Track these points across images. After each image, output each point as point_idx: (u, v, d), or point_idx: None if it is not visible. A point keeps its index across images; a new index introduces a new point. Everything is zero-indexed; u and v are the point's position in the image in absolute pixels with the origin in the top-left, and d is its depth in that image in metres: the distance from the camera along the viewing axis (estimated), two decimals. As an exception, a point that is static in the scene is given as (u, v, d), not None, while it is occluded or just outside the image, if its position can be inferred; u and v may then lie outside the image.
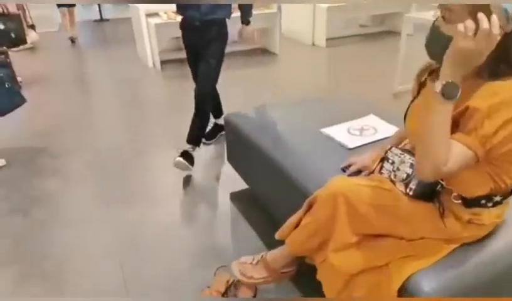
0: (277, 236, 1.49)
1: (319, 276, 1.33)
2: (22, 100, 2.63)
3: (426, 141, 1.00)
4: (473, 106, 0.98)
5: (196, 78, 2.60)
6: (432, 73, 1.17)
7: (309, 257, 1.41)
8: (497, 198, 1.13)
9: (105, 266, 1.82)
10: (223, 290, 1.64)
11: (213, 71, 2.49)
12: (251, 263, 1.55)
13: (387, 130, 1.79)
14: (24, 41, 3.66)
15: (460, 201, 1.14)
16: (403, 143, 1.40)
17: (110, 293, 1.68)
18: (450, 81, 0.95)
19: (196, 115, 2.52)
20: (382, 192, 1.22)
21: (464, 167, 1.02)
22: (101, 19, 7.78)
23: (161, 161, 2.72)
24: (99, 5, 7.74)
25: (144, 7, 4.64)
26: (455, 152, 0.99)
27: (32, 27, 4.54)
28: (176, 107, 3.69)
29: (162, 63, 4.81)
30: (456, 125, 1.02)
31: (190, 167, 2.45)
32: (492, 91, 0.97)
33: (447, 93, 0.96)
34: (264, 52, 5.44)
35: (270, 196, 1.93)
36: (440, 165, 0.98)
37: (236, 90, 4.00)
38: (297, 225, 1.39)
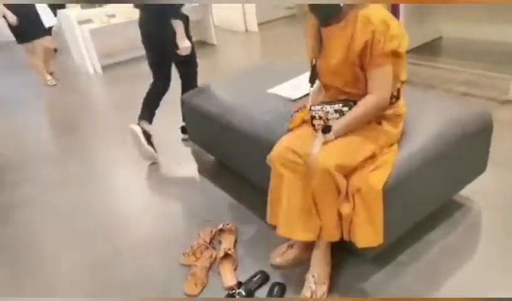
0: (269, 221, 1.62)
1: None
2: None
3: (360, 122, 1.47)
4: (365, 40, 1.37)
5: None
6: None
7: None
8: (395, 92, 1.50)
9: (96, 244, 1.98)
10: (208, 239, 1.88)
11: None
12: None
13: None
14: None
15: None
16: (318, 100, 1.63)
17: (103, 262, 1.84)
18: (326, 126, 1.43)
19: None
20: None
21: (391, 83, 1.43)
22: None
23: (124, 155, 2.86)
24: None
25: (75, 15, 4.63)
26: (383, 75, 1.40)
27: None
28: (123, 107, 3.80)
29: (104, 67, 4.84)
30: (365, 58, 1.40)
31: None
32: (364, 19, 1.37)
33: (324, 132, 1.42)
34: (202, 44, 5.63)
35: (233, 158, 2.18)
36: (384, 103, 1.45)
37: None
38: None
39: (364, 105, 1.45)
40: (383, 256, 1.62)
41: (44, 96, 4.42)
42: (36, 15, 4.18)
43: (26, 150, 3.11)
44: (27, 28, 4.13)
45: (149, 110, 2.63)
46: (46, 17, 4.30)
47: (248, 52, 5.19)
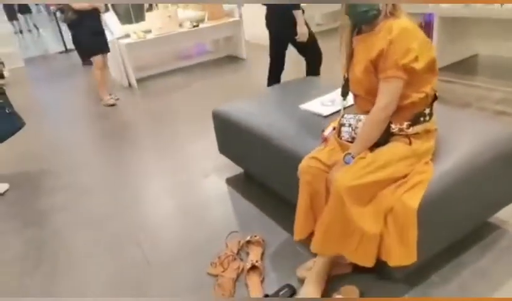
0: (295, 238, 1.63)
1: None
2: (22, 123, 2.81)
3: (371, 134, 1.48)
4: (381, 48, 1.37)
5: None
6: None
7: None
8: (427, 110, 1.49)
9: (127, 249, 2.05)
10: (236, 250, 1.91)
11: None
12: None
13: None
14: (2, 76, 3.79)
15: (409, 123, 1.47)
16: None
17: (132, 268, 1.90)
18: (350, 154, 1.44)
19: None
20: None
21: (398, 98, 1.41)
22: (66, 50, 7.87)
23: (156, 166, 2.95)
24: (62, 37, 7.85)
25: (113, 30, 4.86)
26: (388, 90, 1.39)
27: (2, 64, 4.63)
28: (157, 119, 3.93)
29: (138, 81, 5.03)
30: (378, 66, 1.41)
31: None
32: (388, 28, 1.38)
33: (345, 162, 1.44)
34: (232, 59, 5.76)
35: (263, 171, 2.21)
36: (384, 115, 1.42)
37: (213, 95, 4.30)
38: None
39: (369, 120, 1.46)
40: (414, 275, 1.59)
41: (83, 106, 4.64)
42: (104, 27, 4.30)
43: (67, 158, 3.26)
44: (101, 40, 4.23)
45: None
46: (115, 27, 4.41)
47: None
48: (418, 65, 1.38)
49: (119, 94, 4.84)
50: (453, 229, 1.59)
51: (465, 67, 4.07)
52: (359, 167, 1.42)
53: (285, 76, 3.36)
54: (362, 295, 1.56)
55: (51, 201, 2.63)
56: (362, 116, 1.53)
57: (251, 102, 2.46)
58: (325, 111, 2.06)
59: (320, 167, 1.52)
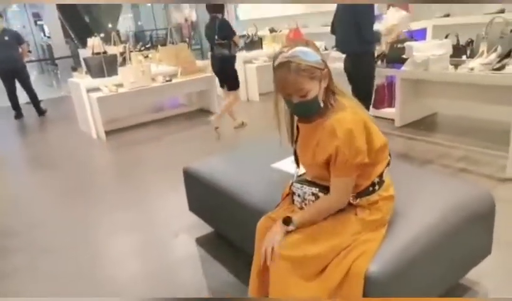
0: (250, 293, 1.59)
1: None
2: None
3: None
4: (329, 154, 1.37)
5: None
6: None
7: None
8: (376, 179, 1.47)
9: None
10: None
11: None
12: None
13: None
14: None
15: (354, 195, 1.46)
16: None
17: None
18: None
19: None
20: None
21: (351, 190, 1.43)
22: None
23: (122, 223, 2.82)
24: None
25: (84, 84, 4.84)
26: (340, 187, 1.41)
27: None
28: (125, 173, 3.82)
29: (107, 133, 4.95)
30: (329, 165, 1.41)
31: None
32: (331, 130, 1.35)
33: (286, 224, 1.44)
34: (204, 112, 5.82)
35: (234, 231, 2.16)
36: (336, 207, 1.44)
37: (185, 148, 4.27)
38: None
39: (327, 201, 1.45)
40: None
41: (40, 156, 4.47)
42: None
43: (24, 215, 3.07)
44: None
45: None
46: None
47: (247, 120, 5.33)
48: (369, 157, 1.39)
49: (87, 147, 4.73)
50: (424, 295, 1.57)
51: (425, 125, 4.30)
52: (300, 236, 1.42)
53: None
54: None
55: (5, 263, 2.42)
56: (307, 189, 1.51)
57: (223, 159, 2.45)
58: (298, 171, 2.06)
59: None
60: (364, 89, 3.27)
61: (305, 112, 1.44)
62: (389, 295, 1.39)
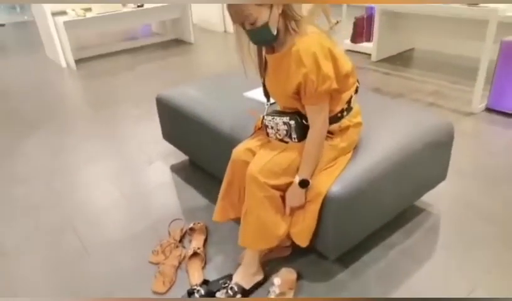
0: (214, 219, 1.71)
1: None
2: None
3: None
4: (298, 82, 1.36)
5: None
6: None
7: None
8: (345, 106, 1.50)
9: (64, 239, 1.96)
10: (178, 238, 1.90)
11: None
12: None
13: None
14: None
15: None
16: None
17: (69, 258, 1.83)
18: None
19: None
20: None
21: (328, 111, 1.44)
22: (-4, 25, 7.20)
23: (96, 151, 2.83)
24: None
25: (49, 6, 4.52)
26: (316, 112, 1.41)
27: None
28: (98, 102, 3.75)
29: (77, 61, 4.75)
30: (300, 95, 1.42)
31: None
32: (297, 57, 1.32)
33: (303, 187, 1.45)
34: (180, 42, 5.62)
35: (207, 158, 2.21)
36: (324, 131, 1.46)
37: (158, 79, 4.18)
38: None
39: (310, 141, 1.47)
40: (347, 256, 1.69)
41: (7, 85, 4.29)
42: None
43: (-7, 143, 3.02)
44: None
45: None
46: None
47: (224, 53, 5.21)
48: (335, 86, 1.39)
49: (56, 76, 4.55)
50: (382, 213, 1.71)
51: (401, 60, 4.32)
52: (276, 162, 1.48)
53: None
54: (299, 276, 1.64)
55: (-23, 190, 2.43)
56: (278, 119, 1.53)
57: (196, 87, 2.43)
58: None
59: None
60: None
61: (259, 40, 1.40)
62: (348, 213, 1.50)
